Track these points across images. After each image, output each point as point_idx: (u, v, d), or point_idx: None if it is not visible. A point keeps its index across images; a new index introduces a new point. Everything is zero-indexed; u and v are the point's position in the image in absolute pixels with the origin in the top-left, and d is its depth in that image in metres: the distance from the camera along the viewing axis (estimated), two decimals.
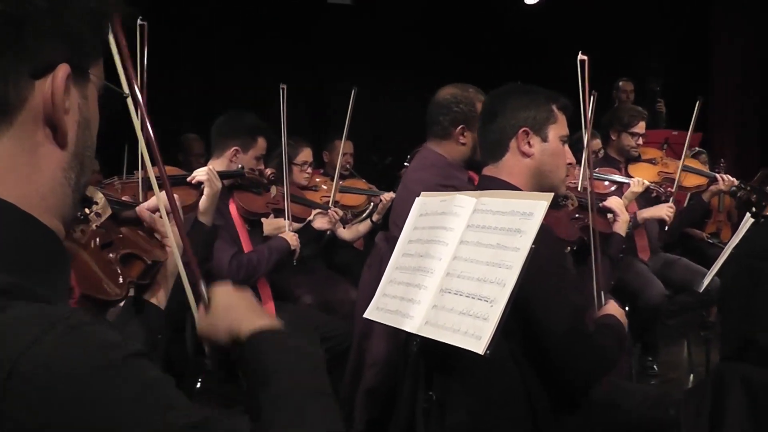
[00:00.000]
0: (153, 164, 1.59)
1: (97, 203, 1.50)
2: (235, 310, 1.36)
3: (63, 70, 0.89)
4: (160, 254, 1.66)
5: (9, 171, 0.87)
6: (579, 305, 2.28)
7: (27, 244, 0.87)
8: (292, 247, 3.86)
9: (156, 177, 2.80)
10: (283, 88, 4.18)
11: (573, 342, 2.13)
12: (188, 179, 3.04)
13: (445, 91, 3.40)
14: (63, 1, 0.88)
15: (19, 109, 0.87)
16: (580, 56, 2.77)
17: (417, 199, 2.42)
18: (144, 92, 2.44)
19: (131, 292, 1.58)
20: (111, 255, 1.52)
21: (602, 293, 2.58)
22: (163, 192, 1.65)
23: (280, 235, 3.89)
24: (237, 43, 7.72)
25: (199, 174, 3.03)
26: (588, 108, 2.72)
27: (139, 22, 2.39)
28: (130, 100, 1.38)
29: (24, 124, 0.88)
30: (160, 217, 1.71)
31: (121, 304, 1.56)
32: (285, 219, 4.05)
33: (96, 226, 1.50)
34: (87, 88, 0.96)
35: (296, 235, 3.92)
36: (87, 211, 1.48)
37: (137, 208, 1.72)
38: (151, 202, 1.78)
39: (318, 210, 4.31)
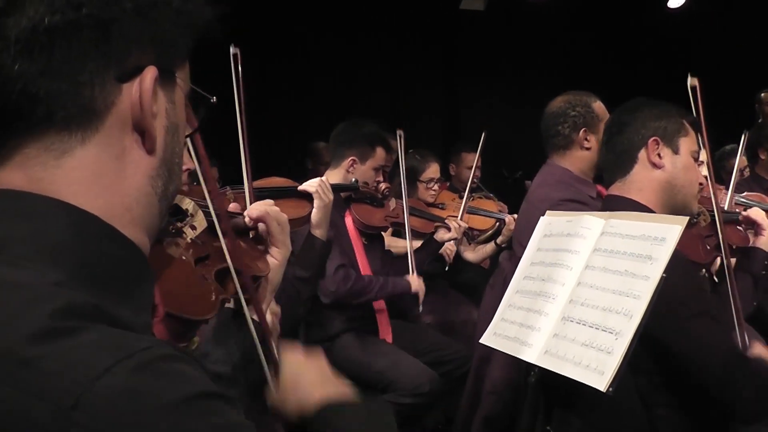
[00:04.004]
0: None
1: (192, 215, 1.48)
2: (304, 382, 1.34)
3: (151, 72, 0.89)
4: (262, 267, 1.65)
5: (94, 179, 0.87)
6: (726, 326, 2.18)
7: (108, 260, 0.87)
8: (413, 290, 3.83)
9: (262, 188, 2.84)
10: (400, 135, 4.24)
11: (732, 370, 2.04)
12: (299, 188, 3.01)
13: (556, 101, 3.41)
14: (149, 3, 0.89)
15: (106, 114, 0.87)
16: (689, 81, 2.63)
17: (542, 218, 2.37)
18: (243, 116, 2.49)
19: (232, 305, 1.57)
20: (205, 270, 1.49)
21: (742, 320, 2.44)
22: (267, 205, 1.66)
23: (407, 276, 3.86)
24: (370, 47, 7.81)
25: (308, 185, 2.98)
26: (704, 138, 2.60)
27: (231, 50, 2.45)
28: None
29: (111, 130, 0.88)
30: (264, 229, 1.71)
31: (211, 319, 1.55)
32: (405, 234, 4.04)
33: (191, 239, 1.47)
34: (174, 92, 0.95)
35: (421, 279, 3.89)
36: (180, 224, 1.46)
37: (256, 207, 1.72)
38: (257, 210, 1.77)
39: (439, 224, 4.29)
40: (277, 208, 1.77)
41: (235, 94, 2.56)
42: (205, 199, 1.53)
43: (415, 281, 3.85)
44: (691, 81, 2.57)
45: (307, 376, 1.36)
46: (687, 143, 2.42)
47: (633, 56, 8.34)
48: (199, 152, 1.57)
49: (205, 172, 1.66)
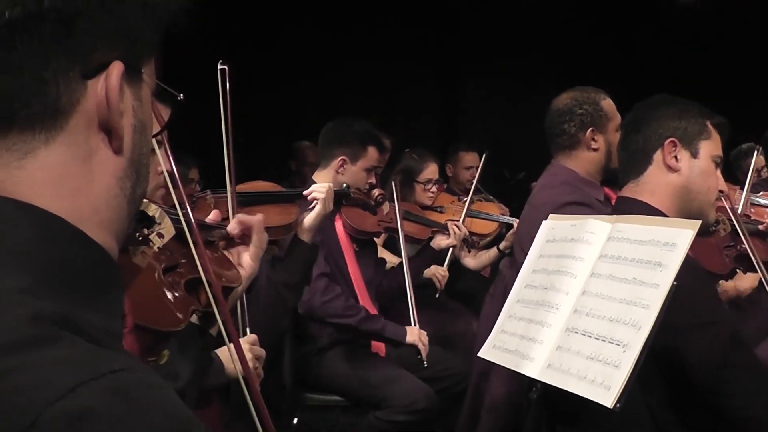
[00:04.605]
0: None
1: (159, 222, 1.48)
2: None
3: (117, 68, 0.88)
4: (234, 278, 1.66)
5: (61, 181, 0.87)
6: (742, 338, 2.18)
7: (76, 265, 0.86)
8: (408, 341, 3.73)
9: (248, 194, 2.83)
10: (394, 179, 4.26)
11: (751, 381, 2.05)
12: (305, 193, 3.03)
13: (563, 97, 3.40)
14: None
15: (71, 113, 0.87)
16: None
17: (544, 222, 2.37)
18: (230, 130, 2.50)
19: (194, 320, 1.58)
20: (175, 280, 1.50)
21: None
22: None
23: (408, 327, 3.78)
24: (358, 38, 7.78)
25: (317, 191, 3.00)
26: None
27: (219, 67, 2.46)
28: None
29: (77, 129, 0.87)
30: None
31: None
32: (398, 244, 4.03)
33: (158, 248, 1.47)
34: (141, 88, 0.95)
35: (425, 334, 3.80)
36: (147, 231, 1.46)
37: (240, 216, 1.75)
38: (249, 217, 1.80)
39: (436, 228, 4.28)
40: (261, 219, 1.79)
41: (222, 111, 2.56)
42: (175, 204, 1.54)
43: (415, 333, 3.76)
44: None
45: None
46: (708, 147, 2.39)
47: (644, 48, 8.35)
48: (169, 156, 1.57)
49: (175, 177, 1.66)
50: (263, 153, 6.45)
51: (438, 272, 4.08)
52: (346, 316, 3.61)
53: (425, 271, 4.30)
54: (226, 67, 2.49)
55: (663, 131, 2.38)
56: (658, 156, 2.38)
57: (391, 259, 4.36)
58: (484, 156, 4.90)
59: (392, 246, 4.57)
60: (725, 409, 2.05)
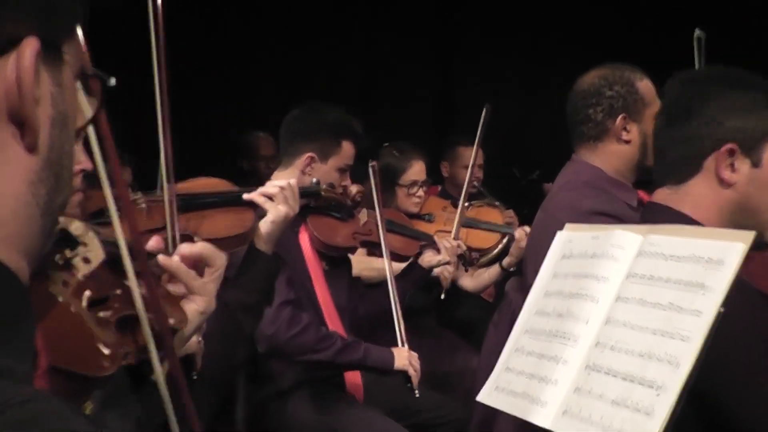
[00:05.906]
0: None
1: (85, 244, 1.45)
2: None
3: (31, 45, 0.87)
4: (178, 317, 1.63)
5: None
6: None
7: None
8: (397, 368, 3.74)
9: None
10: (373, 166, 4.23)
11: None
12: (246, 197, 2.89)
13: (589, 75, 3.38)
14: None
15: None
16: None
17: (559, 233, 2.35)
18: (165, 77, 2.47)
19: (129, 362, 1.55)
20: (103, 315, 1.46)
21: None
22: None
23: (394, 349, 3.79)
24: (336, 5, 7.79)
25: (270, 187, 2.90)
26: None
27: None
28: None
29: None
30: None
31: None
32: (383, 256, 4.02)
33: (83, 275, 1.45)
34: (62, 71, 0.94)
35: (416, 356, 3.81)
36: (69, 254, 1.43)
37: (161, 258, 1.73)
38: (193, 248, 1.79)
39: (425, 242, 4.28)
40: (212, 247, 1.79)
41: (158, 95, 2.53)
42: (102, 215, 1.52)
43: (404, 355, 3.77)
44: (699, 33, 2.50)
45: None
46: None
47: (679, 19, 8.36)
48: (108, 151, 1.54)
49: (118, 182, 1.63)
50: (205, 149, 6.40)
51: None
52: (320, 350, 3.58)
53: None
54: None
55: (721, 132, 2.26)
56: (709, 164, 2.27)
57: (370, 264, 4.33)
58: (485, 109, 4.86)
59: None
60: None
